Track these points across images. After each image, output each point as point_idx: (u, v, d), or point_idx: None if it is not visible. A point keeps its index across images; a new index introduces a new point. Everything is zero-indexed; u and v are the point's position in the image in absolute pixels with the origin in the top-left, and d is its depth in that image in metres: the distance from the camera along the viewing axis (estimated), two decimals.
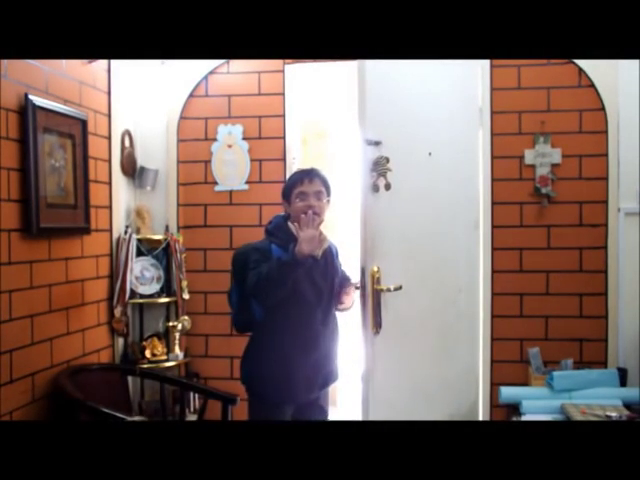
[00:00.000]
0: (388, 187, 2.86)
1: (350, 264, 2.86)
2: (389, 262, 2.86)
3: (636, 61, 3.15)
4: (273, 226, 2.57)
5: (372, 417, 2.81)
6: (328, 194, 2.54)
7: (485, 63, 3.35)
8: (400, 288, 2.83)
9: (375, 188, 2.85)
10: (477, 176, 3.37)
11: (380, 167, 2.86)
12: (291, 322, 2.45)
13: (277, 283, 2.32)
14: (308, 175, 2.52)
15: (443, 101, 3.14)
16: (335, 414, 4.27)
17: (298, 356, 2.46)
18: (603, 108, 3.29)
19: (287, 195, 2.54)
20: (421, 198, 3.05)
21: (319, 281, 2.49)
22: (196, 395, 3.50)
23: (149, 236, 3.54)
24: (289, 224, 2.43)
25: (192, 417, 3.44)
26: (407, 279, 2.91)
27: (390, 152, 2.87)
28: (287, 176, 3.54)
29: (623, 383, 3.11)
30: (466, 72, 3.27)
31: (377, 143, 2.86)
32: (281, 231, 2.51)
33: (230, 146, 3.62)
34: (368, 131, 2.83)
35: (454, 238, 3.21)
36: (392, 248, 2.90)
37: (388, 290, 2.80)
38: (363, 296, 2.78)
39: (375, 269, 2.81)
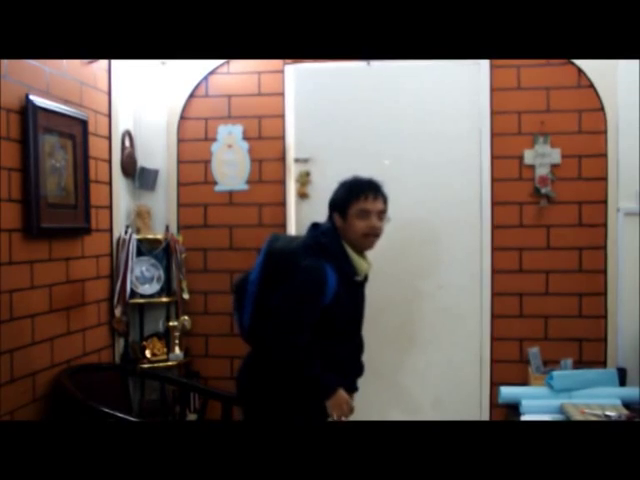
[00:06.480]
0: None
1: None
2: None
3: (636, 61, 3.14)
4: (330, 240, 2.23)
5: None
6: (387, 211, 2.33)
7: (485, 63, 3.35)
8: None
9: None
10: (477, 176, 3.36)
11: (301, 177, 3.40)
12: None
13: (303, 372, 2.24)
14: (374, 191, 2.27)
15: (439, 101, 3.16)
16: None
17: None
18: (602, 108, 3.29)
19: (342, 208, 2.27)
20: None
21: (361, 305, 2.41)
22: (196, 395, 3.49)
23: (149, 236, 3.54)
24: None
25: (192, 417, 3.44)
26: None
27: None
28: (286, 174, 3.55)
29: (622, 383, 3.10)
30: (466, 72, 3.27)
31: (306, 160, 3.24)
32: (337, 247, 2.23)
33: (230, 146, 3.61)
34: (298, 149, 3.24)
35: (441, 237, 3.33)
36: None
37: None
38: None
39: None
